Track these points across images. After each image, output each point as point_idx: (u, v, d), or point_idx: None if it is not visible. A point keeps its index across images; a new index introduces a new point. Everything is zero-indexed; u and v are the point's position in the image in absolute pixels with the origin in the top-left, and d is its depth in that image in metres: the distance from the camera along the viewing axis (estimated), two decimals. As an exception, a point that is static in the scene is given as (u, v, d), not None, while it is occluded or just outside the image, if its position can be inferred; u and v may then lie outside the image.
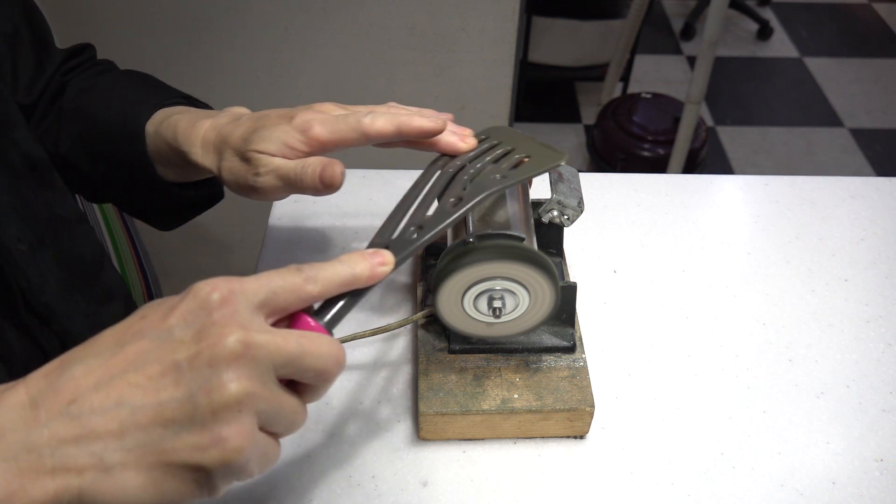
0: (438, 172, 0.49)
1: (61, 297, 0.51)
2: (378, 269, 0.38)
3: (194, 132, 0.51)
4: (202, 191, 0.60)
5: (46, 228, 0.50)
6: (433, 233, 0.42)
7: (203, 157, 0.51)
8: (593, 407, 0.54)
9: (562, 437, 0.56)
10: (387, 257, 0.39)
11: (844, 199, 0.78)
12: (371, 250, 0.39)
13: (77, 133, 0.55)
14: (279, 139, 0.47)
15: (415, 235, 0.42)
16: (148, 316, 0.33)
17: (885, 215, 0.76)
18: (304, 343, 0.33)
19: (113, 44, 1.17)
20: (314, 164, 0.47)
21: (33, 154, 0.51)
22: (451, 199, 0.45)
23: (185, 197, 0.58)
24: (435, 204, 0.46)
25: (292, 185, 0.48)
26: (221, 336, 0.31)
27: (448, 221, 0.43)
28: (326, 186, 0.47)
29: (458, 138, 0.50)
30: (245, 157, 0.48)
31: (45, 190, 0.51)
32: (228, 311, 0.32)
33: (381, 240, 0.43)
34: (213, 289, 0.32)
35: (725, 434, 0.57)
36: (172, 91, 0.58)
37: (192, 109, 0.55)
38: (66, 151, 0.55)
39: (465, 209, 0.44)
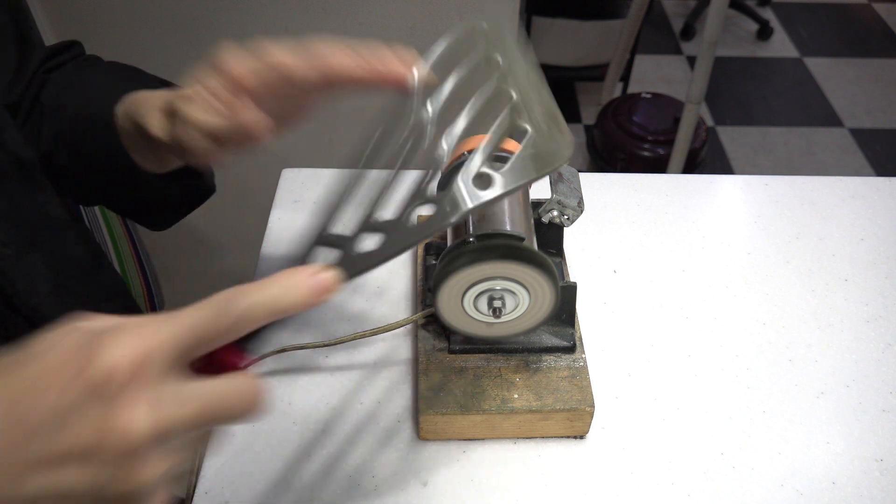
0: (403, 142, 0.38)
1: (51, 300, 0.50)
2: (318, 299, 0.32)
3: (150, 101, 0.48)
4: (187, 183, 0.57)
5: (36, 230, 0.50)
6: (394, 251, 0.35)
7: (158, 127, 0.47)
8: (593, 407, 0.54)
9: (562, 437, 0.56)
10: (331, 283, 0.33)
11: (844, 199, 0.78)
12: (313, 271, 0.33)
13: (57, 130, 0.54)
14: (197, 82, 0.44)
15: (373, 247, 0.35)
16: (50, 377, 0.27)
17: (885, 215, 0.76)
18: (216, 400, 0.29)
19: (113, 44, 1.17)
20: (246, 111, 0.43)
21: (22, 155, 0.49)
22: (430, 207, 0.36)
23: (170, 192, 0.56)
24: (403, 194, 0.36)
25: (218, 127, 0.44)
26: (127, 431, 0.27)
27: (416, 240, 0.35)
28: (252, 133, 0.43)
29: (402, 65, 0.40)
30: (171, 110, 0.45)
31: (35, 191, 0.51)
32: (134, 390, 0.27)
33: (328, 236, 0.36)
34: (116, 365, 0.27)
35: (725, 434, 0.57)
36: (153, 78, 0.56)
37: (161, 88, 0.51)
38: (46, 150, 0.54)
39: (438, 226, 0.35)
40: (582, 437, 0.56)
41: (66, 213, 0.53)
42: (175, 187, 0.56)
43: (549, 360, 0.56)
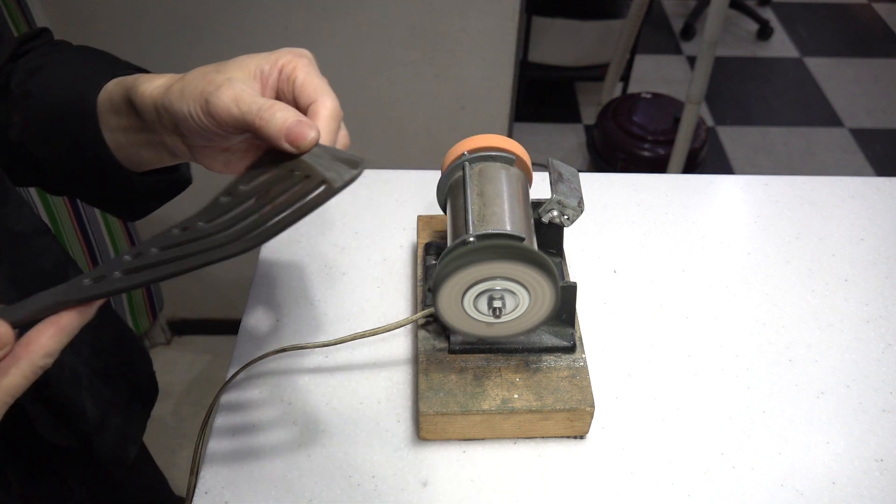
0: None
1: None
2: None
3: (147, 76, 0.48)
4: (162, 176, 0.55)
5: None
6: (106, 292, 0.35)
7: (149, 85, 0.46)
8: (593, 407, 0.54)
9: (562, 437, 0.56)
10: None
11: (844, 199, 0.78)
12: None
13: (27, 117, 0.52)
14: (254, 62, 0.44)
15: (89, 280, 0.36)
16: None
17: (885, 215, 0.76)
18: None
19: (113, 44, 1.17)
20: (286, 113, 0.41)
21: None
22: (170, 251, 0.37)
23: (144, 183, 0.54)
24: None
25: (249, 119, 0.42)
26: None
27: (126, 286, 0.36)
28: (290, 143, 0.41)
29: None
30: (208, 79, 0.43)
31: None
32: None
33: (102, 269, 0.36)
34: None
35: (725, 434, 0.57)
36: (127, 64, 0.54)
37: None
38: (16, 138, 0.51)
39: (144, 280, 0.36)
40: (582, 437, 0.56)
41: (31, 225, 0.52)
42: (149, 179, 0.54)
43: (549, 360, 0.56)
